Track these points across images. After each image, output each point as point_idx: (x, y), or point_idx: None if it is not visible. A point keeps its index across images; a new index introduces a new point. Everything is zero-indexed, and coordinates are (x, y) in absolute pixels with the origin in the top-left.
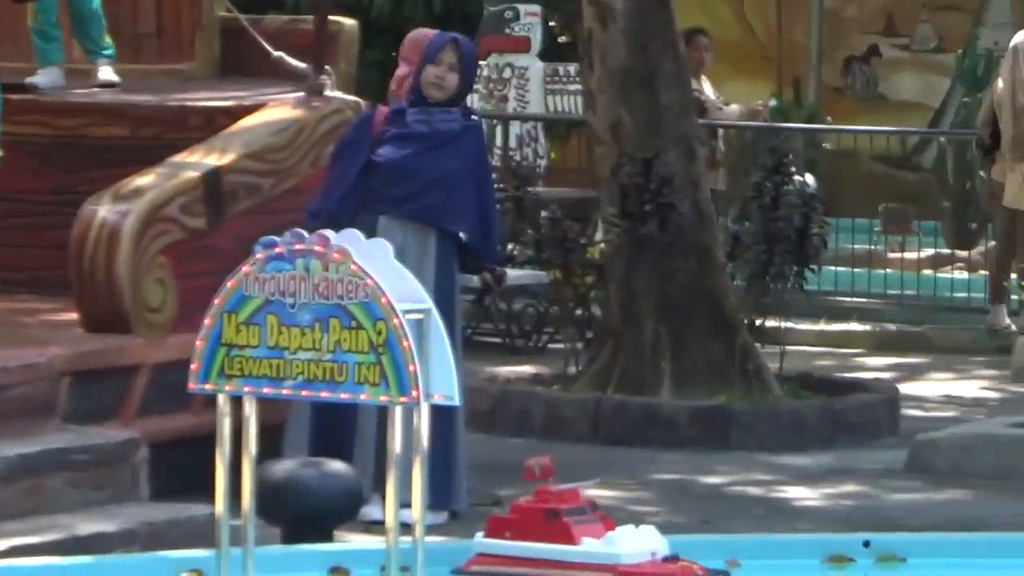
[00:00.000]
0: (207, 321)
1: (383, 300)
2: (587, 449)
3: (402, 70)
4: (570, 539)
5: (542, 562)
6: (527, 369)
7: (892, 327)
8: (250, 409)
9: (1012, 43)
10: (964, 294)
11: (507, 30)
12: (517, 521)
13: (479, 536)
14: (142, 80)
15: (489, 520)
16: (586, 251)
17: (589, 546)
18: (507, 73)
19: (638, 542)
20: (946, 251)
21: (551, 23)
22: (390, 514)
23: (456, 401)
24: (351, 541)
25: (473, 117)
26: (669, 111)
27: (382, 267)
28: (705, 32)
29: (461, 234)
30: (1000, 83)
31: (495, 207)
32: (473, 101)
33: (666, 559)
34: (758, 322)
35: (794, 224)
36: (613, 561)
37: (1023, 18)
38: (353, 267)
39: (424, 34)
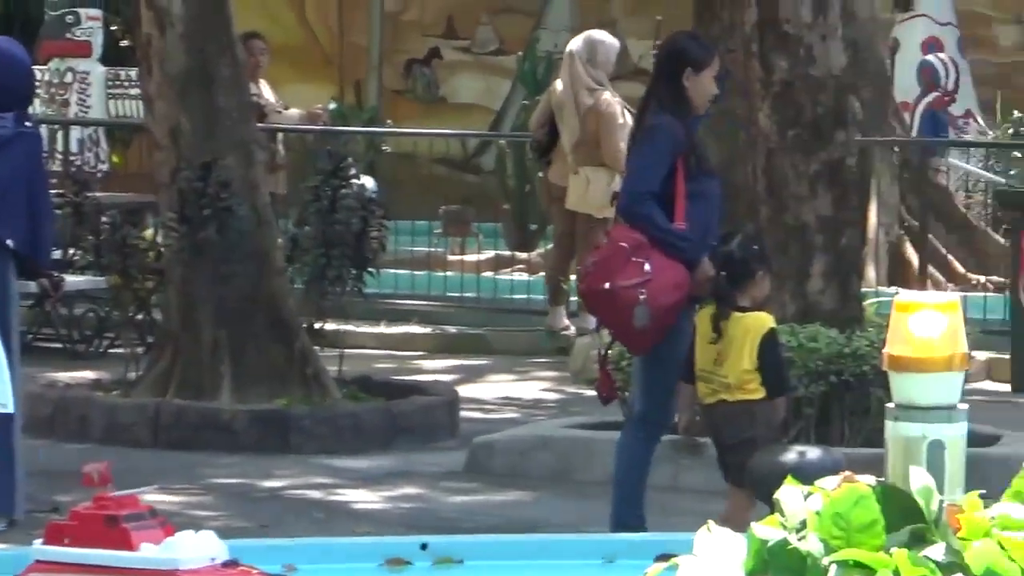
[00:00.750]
0: None
1: None
2: (147, 454)
3: None
4: (129, 545)
5: (101, 568)
6: (87, 374)
7: (452, 329)
8: None
9: (568, 47)
10: (524, 296)
11: (68, 35)
12: (76, 527)
13: (37, 543)
14: None
15: (48, 527)
16: (146, 256)
17: (148, 552)
18: (68, 78)
19: (197, 547)
20: (506, 253)
21: (112, 27)
22: None
23: (9, 408)
24: None
25: (27, 124)
26: (227, 115)
27: None
28: (260, 36)
29: (8, 241)
30: (559, 85)
31: (49, 214)
32: (35, 106)
33: (225, 564)
34: (317, 325)
35: (352, 227)
36: (171, 567)
37: (582, 22)
38: None
39: None
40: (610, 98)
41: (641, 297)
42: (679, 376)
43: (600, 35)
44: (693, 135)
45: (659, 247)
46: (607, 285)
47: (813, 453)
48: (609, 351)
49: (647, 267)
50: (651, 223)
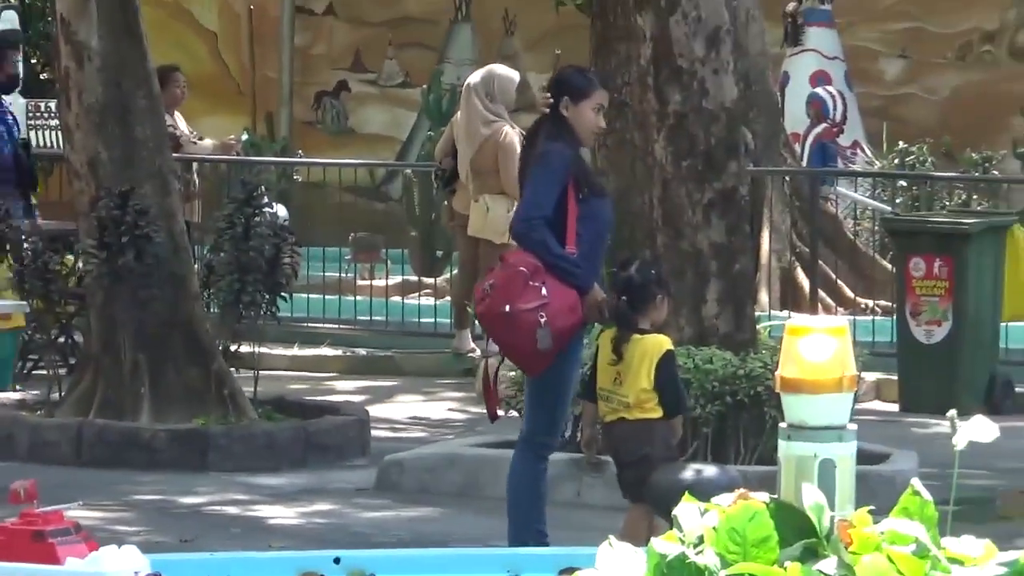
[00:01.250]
0: None
1: None
2: (71, 472)
3: None
4: (55, 559)
5: None
6: (11, 395)
7: (363, 351)
8: None
9: (468, 80)
10: (431, 319)
11: None
12: (4, 542)
13: None
14: None
15: None
16: (67, 281)
17: (73, 566)
18: None
19: (121, 562)
20: (413, 278)
21: (32, 60)
22: None
23: None
24: None
25: None
26: (144, 146)
27: None
28: (179, 69)
29: None
30: (459, 117)
31: None
32: None
33: None
34: (233, 348)
35: (266, 254)
36: None
37: (484, 56)
38: None
39: None
40: (509, 129)
41: (542, 320)
42: (566, 397)
43: (499, 69)
44: (581, 159)
45: (552, 272)
46: (507, 308)
47: (710, 471)
48: (498, 371)
49: (544, 291)
50: (544, 249)
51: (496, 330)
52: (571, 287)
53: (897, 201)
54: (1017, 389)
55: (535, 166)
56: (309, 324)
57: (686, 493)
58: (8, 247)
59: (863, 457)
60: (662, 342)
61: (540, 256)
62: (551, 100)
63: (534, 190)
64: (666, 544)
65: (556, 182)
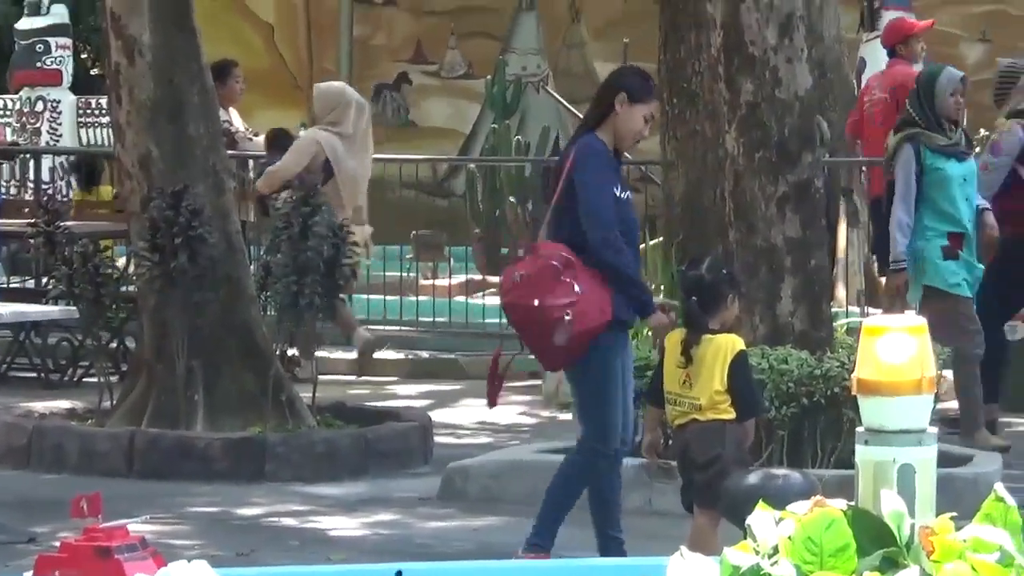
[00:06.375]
0: None
1: None
2: (123, 483)
3: None
4: None
5: None
6: (62, 404)
7: (425, 354)
8: None
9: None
10: (496, 320)
11: (39, 63)
12: (67, 560)
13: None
14: None
15: (38, 559)
16: (119, 284)
17: None
18: (39, 106)
19: None
20: (478, 277)
21: (83, 56)
22: None
23: None
24: None
25: None
26: (197, 143)
27: None
28: (236, 63)
29: None
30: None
31: None
32: (7, 135)
33: None
34: (291, 352)
35: (324, 254)
36: None
37: (549, 45)
38: None
39: None
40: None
41: (567, 318)
42: (613, 403)
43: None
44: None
45: (613, 285)
46: (536, 302)
47: (785, 477)
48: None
49: (577, 288)
50: (620, 270)
51: (521, 321)
52: (634, 306)
53: None
54: None
55: (584, 168)
56: (370, 326)
57: (760, 500)
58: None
59: (945, 459)
60: (735, 342)
61: (612, 273)
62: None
63: (597, 198)
64: (739, 554)
65: (607, 181)
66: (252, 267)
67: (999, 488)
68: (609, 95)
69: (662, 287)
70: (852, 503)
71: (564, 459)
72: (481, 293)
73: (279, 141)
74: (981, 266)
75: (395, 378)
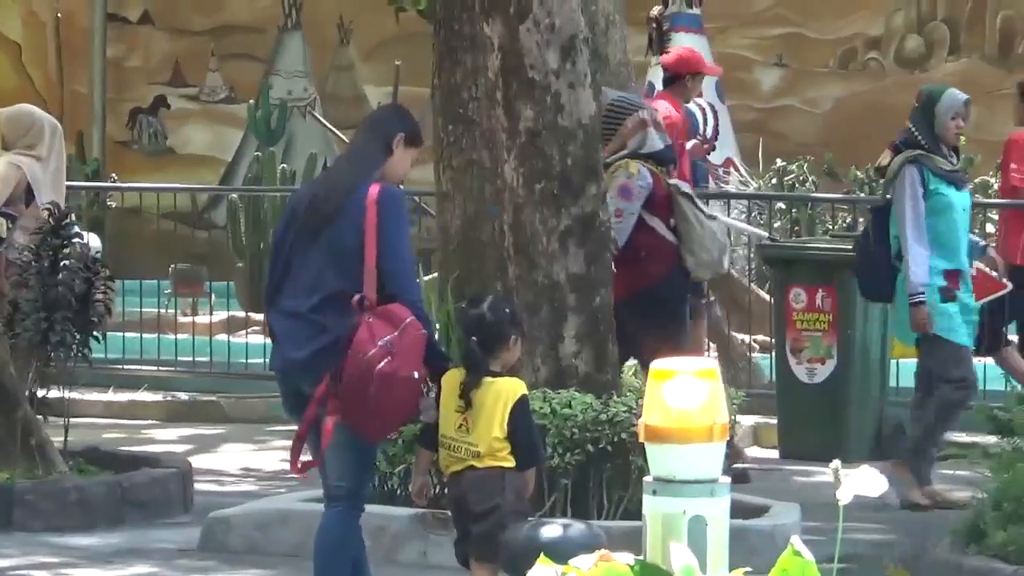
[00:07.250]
0: None
1: None
2: None
3: None
4: None
5: None
6: None
7: (184, 396)
8: None
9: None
10: (260, 360)
11: None
12: None
13: None
14: None
15: None
16: None
17: None
18: None
19: None
20: (240, 314)
21: None
22: None
23: None
24: None
25: None
26: None
27: None
28: None
29: None
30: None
31: None
32: None
33: None
34: (41, 393)
35: (75, 289)
36: None
37: (315, 67)
38: None
39: None
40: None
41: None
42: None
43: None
44: None
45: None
46: (416, 374)
47: (568, 528)
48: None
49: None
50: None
51: (384, 390)
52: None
53: (775, 225)
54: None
55: (393, 220)
56: (125, 366)
57: (541, 553)
58: None
59: (739, 510)
60: (517, 386)
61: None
62: None
63: (404, 255)
64: None
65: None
66: None
67: (796, 542)
68: (390, 134)
69: (437, 326)
70: (640, 557)
71: (328, 518)
72: (244, 331)
73: None
74: (977, 304)
75: (153, 421)
